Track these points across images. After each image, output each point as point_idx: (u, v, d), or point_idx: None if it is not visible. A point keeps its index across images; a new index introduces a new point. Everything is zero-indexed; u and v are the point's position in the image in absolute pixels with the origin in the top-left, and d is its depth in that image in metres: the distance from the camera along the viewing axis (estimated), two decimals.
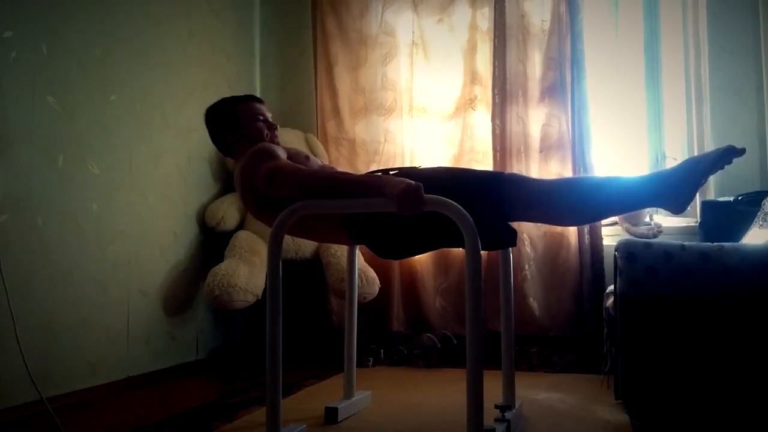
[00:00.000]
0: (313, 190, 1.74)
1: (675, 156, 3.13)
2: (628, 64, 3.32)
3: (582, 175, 1.73)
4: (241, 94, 3.44)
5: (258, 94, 3.63)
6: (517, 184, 1.78)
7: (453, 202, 1.59)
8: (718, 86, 3.00)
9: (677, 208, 1.65)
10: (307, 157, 2.09)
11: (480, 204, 1.59)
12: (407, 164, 3.32)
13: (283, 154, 1.95)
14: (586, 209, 1.75)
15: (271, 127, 2.11)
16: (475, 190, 1.67)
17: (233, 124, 2.08)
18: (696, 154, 3.09)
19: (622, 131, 3.33)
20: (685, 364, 1.89)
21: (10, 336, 2.00)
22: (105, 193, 2.51)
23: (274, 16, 3.68)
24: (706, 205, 2.84)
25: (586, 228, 3.02)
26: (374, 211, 1.78)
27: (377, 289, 3.00)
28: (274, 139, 2.10)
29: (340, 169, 2.20)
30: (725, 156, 1.61)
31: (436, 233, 1.79)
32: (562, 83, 3.11)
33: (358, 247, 2.26)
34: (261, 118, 2.09)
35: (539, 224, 3.09)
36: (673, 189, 1.63)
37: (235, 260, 2.87)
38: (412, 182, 1.60)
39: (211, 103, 2.16)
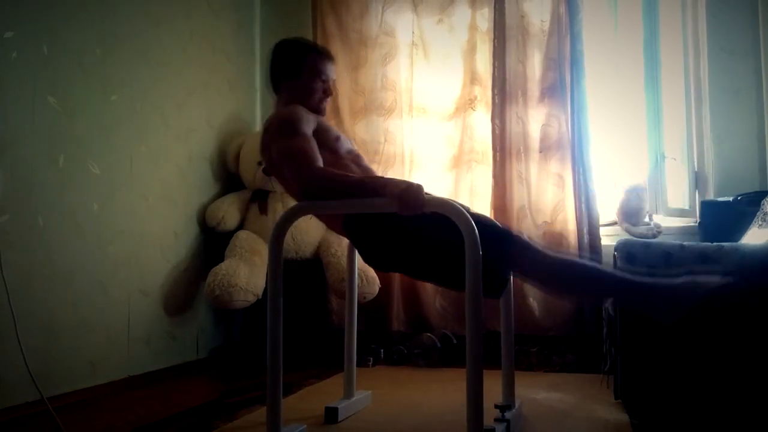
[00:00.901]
0: (316, 189, 1.74)
1: (674, 156, 3.14)
2: (627, 65, 3.32)
3: (586, 261, 1.70)
4: (240, 92, 3.46)
5: (258, 94, 3.64)
6: (523, 249, 1.72)
7: (453, 202, 1.59)
8: (718, 86, 3.00)
9: (664, 321, 1.66)
10: (338, 138, 2.02)
11: (481, 249, 1.58)
12: (407, 164, 3.33)
13: (310, 129, 1.89)
14: (581, 298, 1.76)
15: (327, 93, 2.04)
16: (480, 235, 1.61)
17: (295, 70, 2.01)
18: (695, 157, 3.09)
19: (622, 131, 3.33)
20: (685, 364, 1.90)
21: (10, 336, 2.01)
22: (105, 193, 2.51)
23: (274, 16, 3.68)
24: (705, 205, 2.85)
25: (585, 228, 3.02)
26: (375, 211, 1.79)
27: (377, 289, 3.00)
28: (321, 105, 2.04)
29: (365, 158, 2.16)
30: (724, 291, 1.60)
31: (428, 259, 1.76)
32: (562, 83, 3.11)
33: None
34: (323, 78, 2.02)
35: (539, 223, 3.10)
36: (668, 306, 1.62)
37: (235, 260, 2.88)
38: (413, 182, 1.60)
39: (288, 38, 2.11)
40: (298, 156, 1.79)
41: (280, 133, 1.86)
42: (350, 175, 1.75)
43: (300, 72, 2.00)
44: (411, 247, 1.78)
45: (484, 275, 1.59)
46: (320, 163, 1.81)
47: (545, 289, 1.82)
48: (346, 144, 2.05)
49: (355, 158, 2.04)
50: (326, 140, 1.94)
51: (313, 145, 1.85)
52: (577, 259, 1.71)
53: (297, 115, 1.89)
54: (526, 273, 1.77)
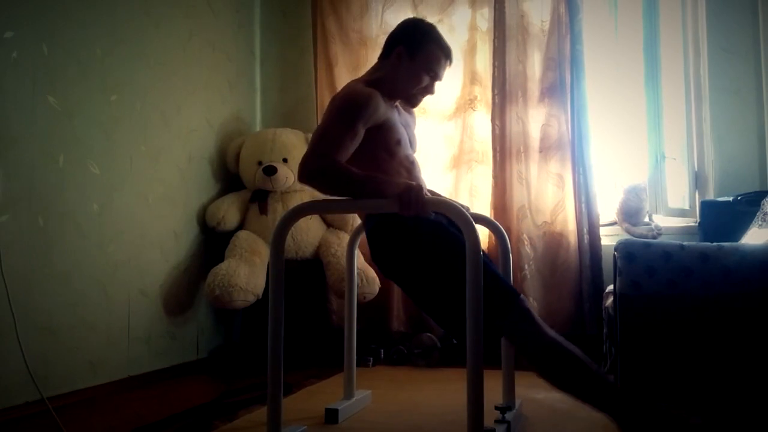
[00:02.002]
0: (317, 176, 1.71)
1: (674, 156, 3.13)
2: (627, 64, 3.32)
3: (581, 354, 1.63)
4: (240, 92, 3.46)
5: (258, 94, 3.64)
6: (521, 321, 1.66)
7: (454, 202, 1.59)
8: (718, 86, 3.00)
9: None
10: (398, 141, 1.89)
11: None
12: None
13: (365, 125, 1.79)
14: (559, 387, 1.69)
15: (428, 90, 1.96)
16: (485, 285, 1.57)
17: (413, 50, 1.90)
18: (695, 156, 3.08)
19: (622, 131, 3.33)
20: (685, 364, 1.90)
21: (10, 336, 2.01)
22: (105, 193, 2.51)
23: (274, 16, 3.68)
24: (705, 205, 2.84)
25: (585, 228, 3.02)
26: (376, 211, 1.79)
27: (377, 289, 3.00)
28: (416, 99, 1.97)
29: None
30: None
31: (430, 282, 1.74)
32: (562, 83, 3.11)
33: (357, 246, 2.26)
34: (431, 75, 1.93)
35: (539, 224, 3.10)
36: (636, 427, 1.59)
37: (235, 260, 2.88)
38: (414, 183, 1.60)
39: (426, 21, 2.03)
40: (324, 140, 1.74)
41: (335, 114, 1.79)
42: (354, 171, 1.72)
43: (416, 55, 1.90)
44: (420, 262, 1.75)
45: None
46: (341, 158, 1.74)
47: (528, 362, 1.76)
48: (405, 149, 1.93)
49: (410, 165, 1.93)
50: (385, 140, 1.85)
51: (353, 142, 1.78)
52: (573, 349, 1.65)
53: (364, 106, 1.79)
54: (515, 343, 1.70)
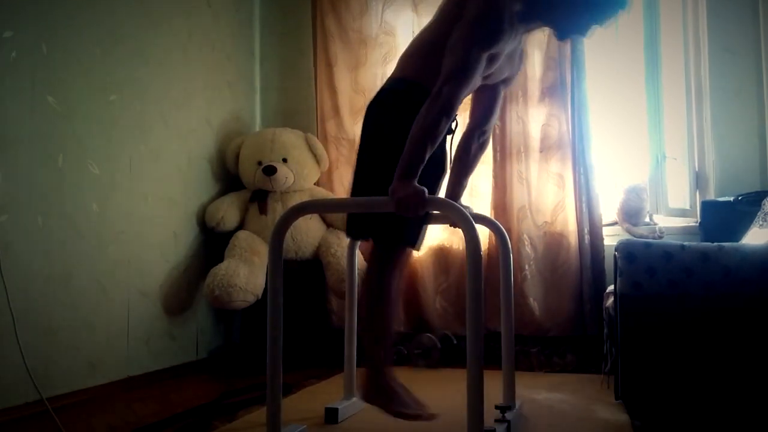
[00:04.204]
0: (437, 106, 1.62)
1: (675, 156, 3.13)
2: (628, 64, 3.31)
3: (391, 323, 1.92)
4: (239, 92, 3.46)
5: (257, 94, 3.64)
6: (386, 259, 1.82)
7: (455, 203, 1.59)
8: (719, 86, 2.99)
9: (363, 396, 1.88)
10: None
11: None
12: None
13: (493, 49, 1.66)
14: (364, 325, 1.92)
15: None
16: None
17: None
18: (696, 156, 3.07)
19: (622, 131, 3.32)
20: (685, 364, 1.90)
21: (10, 336, 2.00)
22: (105, 193, 2.51)
23: (274, 15, 3.68)
24: (706, 205, 2.84)
25: (586, 228, 3.02)
26: (374, 211, 1.79)
27: None
28: None
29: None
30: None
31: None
32: (562, 83, 3.11)
33: (357, 247, 2.26)
34: None
35: (539, 224, 3.10)
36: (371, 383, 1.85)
37: (234, 260, 2.87)
38: (416, 191, 1.60)
39: None
40: (466, 67, 1.61)
41: (478, 23, 1.63)
42: (433, 143, 1.64)
43: None
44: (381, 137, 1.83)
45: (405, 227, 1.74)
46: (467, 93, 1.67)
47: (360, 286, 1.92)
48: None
49: None
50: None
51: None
52: (392, 310, 1.84)
53: (502, 21, 1.63)
54: (368, 264, 1.90)
